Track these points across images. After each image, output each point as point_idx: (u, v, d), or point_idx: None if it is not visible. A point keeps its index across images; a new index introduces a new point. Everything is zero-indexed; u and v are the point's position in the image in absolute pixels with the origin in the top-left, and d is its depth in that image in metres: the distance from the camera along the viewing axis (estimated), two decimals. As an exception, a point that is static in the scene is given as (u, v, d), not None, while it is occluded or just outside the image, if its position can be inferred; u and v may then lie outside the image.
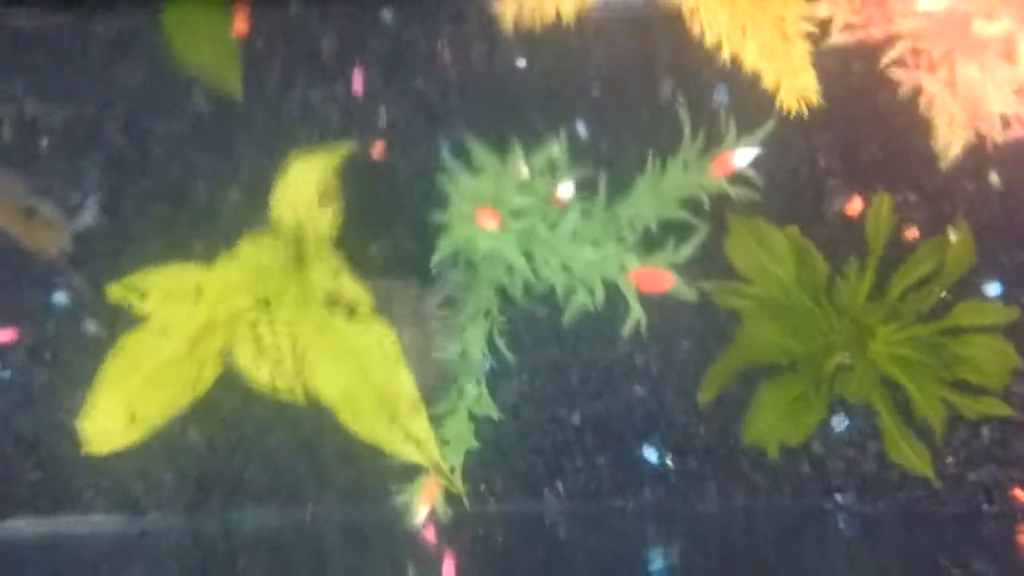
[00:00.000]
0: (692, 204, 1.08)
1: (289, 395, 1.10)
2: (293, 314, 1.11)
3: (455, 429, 1.13)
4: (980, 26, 1.00)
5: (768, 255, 1.17)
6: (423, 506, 1.11)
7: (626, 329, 1.05)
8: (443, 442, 1.12)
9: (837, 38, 1.12)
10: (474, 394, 1.13)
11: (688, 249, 1.02)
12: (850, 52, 1.15)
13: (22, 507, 1.20)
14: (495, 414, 1.13)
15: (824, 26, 1.12)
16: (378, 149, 1.25)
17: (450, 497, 1.13)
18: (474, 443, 1.13)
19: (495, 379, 1.17)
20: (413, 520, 1.11)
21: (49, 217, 1.09)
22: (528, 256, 1.08)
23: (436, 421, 1.11)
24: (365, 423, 1.08)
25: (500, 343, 1.13)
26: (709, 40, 1.09)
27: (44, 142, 1.24)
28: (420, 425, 1.07)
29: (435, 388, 1.14)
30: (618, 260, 1.04)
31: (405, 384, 1.08)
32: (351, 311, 1.10)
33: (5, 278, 1.23)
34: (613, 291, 1.06)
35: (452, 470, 1.11)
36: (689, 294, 1.03)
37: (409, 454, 1.08)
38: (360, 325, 1.09)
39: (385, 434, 1.08)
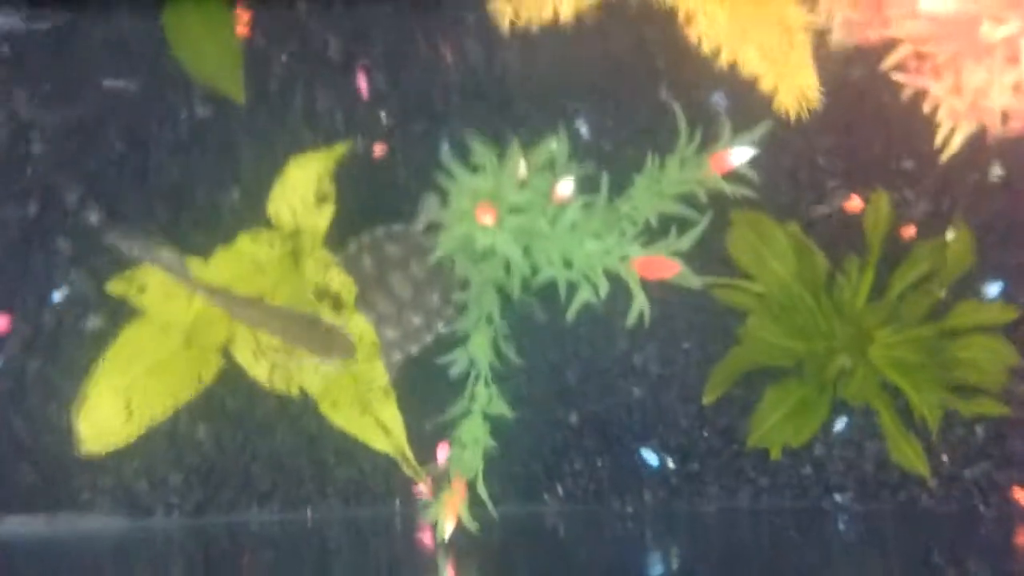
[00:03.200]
0: (690, 200, 1.07)
1: (285, 390, 1.11)
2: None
3: (471, 432, 1.12)
4: (988, 29, 1.00)
5: (769, 250, 1.17)
6: (450, 519, 1.10)
7: (630, 319, 1.04)
8: (461, 446, 1.11)
9: (837, 41, 1.12)
10: (485, 396, 1.12)
11: (690, 238, 1.02)
12: (851, 53, 1.15)
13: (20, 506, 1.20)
14: (508, 412, 1.13)
15: (824, 28, 1.12)
16: (379, 149, 1.25)
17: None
18: (491, 443, 1.12)
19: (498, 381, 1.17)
20: (443, 535, 1.09)
21: (332, 325, 1.10)
22: (527, 251, 1.08)
23: (451, 425, 1.12)
24: (341, 413, 1.10)
25: (505, 347, 1.13)
26: (708, 42, 1.09)
27: (39, 145, 1.24)
28: (390, 413, 1.09)
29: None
30: (620, 251, 1.04)
31: (378, 373, 1.10)
32: (337, 303, 1.12)
33: (6, 274, 1.23)
34: (616, 289, 1.05)
35: (475, 475, 1.11)
36: (693, 282, 1.03)
37: (379, 443, 1.10)
38: (344, 317, 1.12)
39: (358, 423, 1.10)
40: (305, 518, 1.20)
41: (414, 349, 1.17)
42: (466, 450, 1.11)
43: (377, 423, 1.10)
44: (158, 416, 1.11)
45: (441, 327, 1.17)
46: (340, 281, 1.13)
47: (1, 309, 1.22)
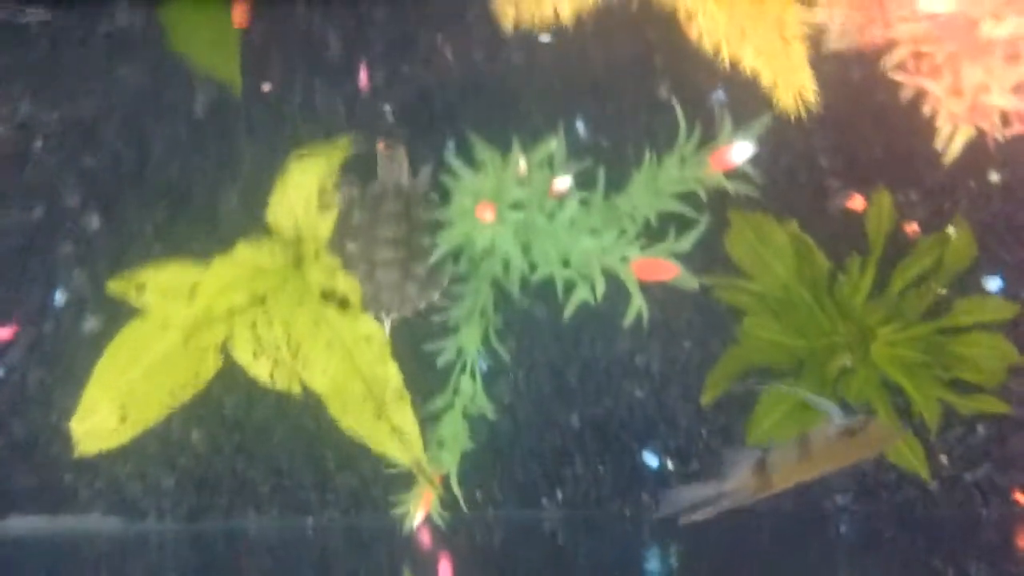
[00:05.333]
0: (690, 198, 1.07)
1: (287, 389, 1.11)
2: (289, 309, 1.12)
3: (450, 429, 1.12)
4: (988, 28, 1.00)
5: (768, 250, 1.17)
6: (419, 512, 1.11)
7: (627, 320, 1.04)
8: (438, 444, 1.12)
9: (837, 41, 1.12)
10: (469, 392, 1.12)
11: (689, 239, 1.02)
12: (851, 54, 1.15)
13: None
14: (490, 413, 1.13)
15: (823, 29, 1.12)
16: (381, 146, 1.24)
17: (448, 502, 1.12)
18: (469, 444, 1.13)
19: (491, 378, 1.17)
20: (410, 526, 1.11)
21: (867, 421, 1.05)
22: (526, 248, 1.08)
23: (431, 421, 1.12)
24: (352, 417, 1.10)
25: (497, 343, 1.13)
26: (707, 42, 1.09)
27: (40, 143, 1.24)
28: (405, 417, 1.09)
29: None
30: (618, 250, 1.04)
31: (392, 375, 1.09)
32: (343, 303, 1.12)
33: (6, 277, 1.23)
34: (613, 288, 1.05)
35: (448, 474, 1.11)
36: (691, 283, 1.03)
37: (393, 449, 1.09)
38: (351, 318, 1.11)
39: (371, 428, 1.09)
40: (305, 525, 1.20)
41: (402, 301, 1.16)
42: (444, 448, 1.11)
43: (392, 429, 1.09)
44: (154, 417, 1.11)
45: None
46: (346, 283, 1.13)
47: (4, 316, 1.22)
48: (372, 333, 1.11)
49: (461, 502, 1.12)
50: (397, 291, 1.14)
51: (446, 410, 1.13)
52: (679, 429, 1.20)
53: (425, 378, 1.13)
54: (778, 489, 1.03)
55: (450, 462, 1.12)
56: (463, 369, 1.12)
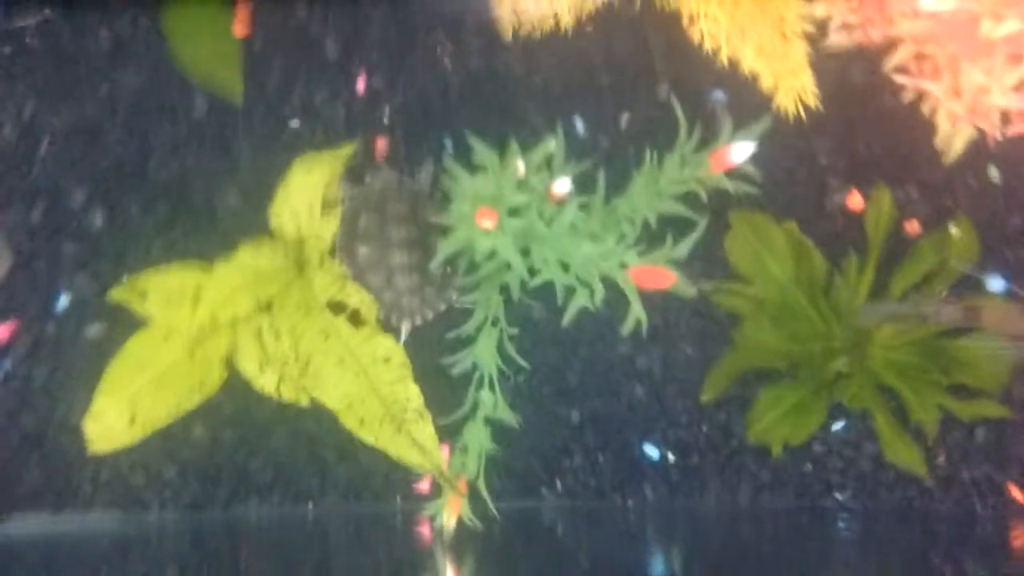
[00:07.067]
0: (690, 199, 1.07)
1: (294, 400, 1.12)
2: (296, 319, 1.12)
3: (473, 436, 1.13)
4: (988, 27, 0.99)
5: (767, 252, 1.17)
6: (452, 516, 1.11)
7: (626, 328, 1.04)
8: (462, 449, 1.12)
9: (837, 40, 1.11)
10: (490, 402, 1.13)
11: (687, 245, 1.02)
12: (852, 53, 1.14)
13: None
14: (512, 419, 1.13)
15: (823, 28, 1.12)
16: (380, 149, 1.24)
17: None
18: (491, 447, 1.13)
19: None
20: (447, 532, 1.11)
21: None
22: (525, 253, 1.08)
23: (453, 428, 1.12)
24: (371, 430, 1.10)
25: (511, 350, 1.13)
26: (708, 42, 1.08)
27: (45, 144, 1.24)
28: (426, 432, 1.09)
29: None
30: (617, 256, 1.04)
31: (412, 394, 1.09)
32: (356, 318, 1.11)
33: (10, 277, 1.23)
34: (613, 294, 1.05)
35: (476, 476, 1.12)
36: (689, 291, 1.03)
37: (414, 460, 1.10)
38: (366, 336, 1.11)
39: (391, 441, 1.10)
40: (305, 513, 1.21)
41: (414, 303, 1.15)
42: (468, 453, 1.12)
43: (413, 442, 1.10)
44: (161, 422, 1.12)
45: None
46: (358, 297, 1.12)
47: (8, 315, 1.23)
48: (390, 354, 1.10)
49: (490, 505, 1.12)
50: (417, 295, 1.13)
51: (467, 420, 1.13)
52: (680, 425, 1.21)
53: (444, 394, 1.13)
54: (982, 324, 1.06)
55: (473, 467, 1.12)
56: (481, 382, 1.12)
